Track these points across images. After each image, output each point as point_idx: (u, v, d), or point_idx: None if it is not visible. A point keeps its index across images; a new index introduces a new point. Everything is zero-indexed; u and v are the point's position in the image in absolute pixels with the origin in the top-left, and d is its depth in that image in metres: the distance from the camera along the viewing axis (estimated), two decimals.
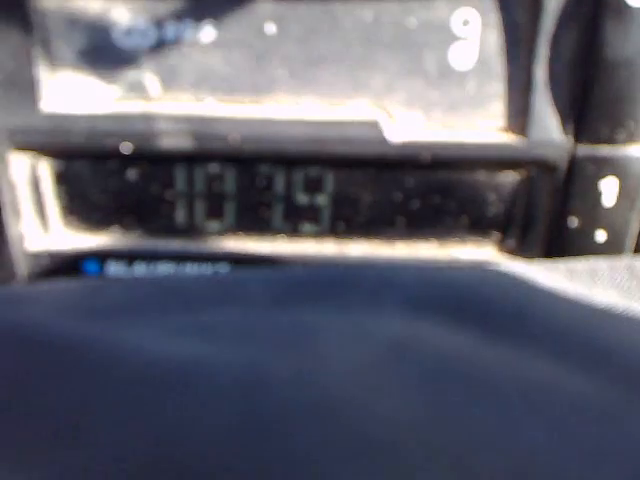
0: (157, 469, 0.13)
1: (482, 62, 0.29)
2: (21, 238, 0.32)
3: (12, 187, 0.31)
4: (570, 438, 0.14)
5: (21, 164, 0.30)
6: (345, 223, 0.33)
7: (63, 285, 0.22)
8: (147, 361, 0.16)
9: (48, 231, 0.32)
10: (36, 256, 0.32)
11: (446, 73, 0.29)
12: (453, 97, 0.30)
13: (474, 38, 0.29)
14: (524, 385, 0.16)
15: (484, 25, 0.28)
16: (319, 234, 0.33)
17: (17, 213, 0.31)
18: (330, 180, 0.32)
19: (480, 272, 0.22)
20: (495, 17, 0.28)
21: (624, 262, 0.25)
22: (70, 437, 0.14)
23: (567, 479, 0.13)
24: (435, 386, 0.15)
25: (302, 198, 0.33)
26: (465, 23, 0.28)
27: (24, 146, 0.30)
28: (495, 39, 0.29)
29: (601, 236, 0.32)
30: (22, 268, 0.32)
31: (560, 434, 0.14)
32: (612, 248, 0.32)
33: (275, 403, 0.14)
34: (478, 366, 0.16)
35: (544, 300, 0.20)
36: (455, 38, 0.29)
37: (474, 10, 0.28)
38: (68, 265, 0.33)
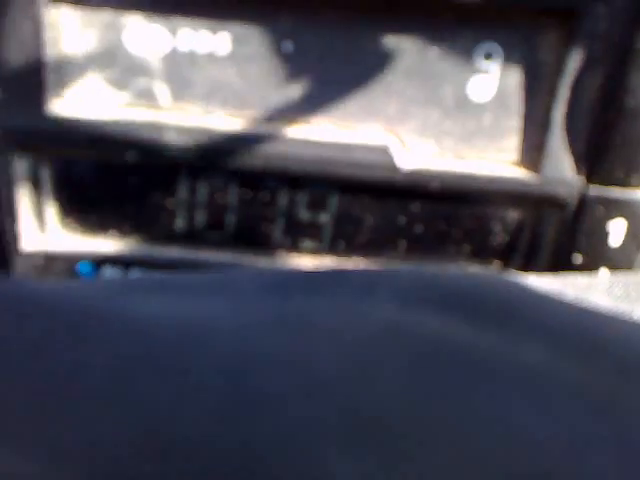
0: (143, 446, 0.13)
1: (501, 96, 0.29)
2: (17, 237, 0.32)
3: (12, 186, 0.31)
4: (563, 423, 0.14)
5: (23, 164, 0.31)
6: (346, 242, 0.34)
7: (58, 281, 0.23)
8: (138, 336, 0.16)
9: (45, 231, 0.33)
10: (31, 256, 0.32)
11: (463, 104, 0.29)
12: (468, 128, 0.30)
13: (495, 72, 0.29)
14: (517, 370, 0.16)
15: (506, 60, 0.29)
16: (319, 251, 0.34)
17: (14, 212, 0.31)
18: (334, 200, 0.32)
19: (475, 274, 0.23)
20: (519, 53, 0.28)
21: (625, 276, 0.26)
22: (57, 413, 0.14)
23: (560, 463, 0.13)
24: (429, 368, 0.16)
25: (305, 215, 0.33)
26: (487, 57, 0.29)
27: (27, 146, 0.30)
28: (516, 75, 0.29)
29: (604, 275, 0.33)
30: (17, 267, 0.33)
31: (553, 419, 0.14)
32: None
33: (264, 384, 0.15)
34: (472, 350, 0.16)
35: (539, 298, 0.20)
36: (476, 71, 0.29)
37: (497, 45, 0.28)
38: (63, 267, 0.33)
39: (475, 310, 0.18)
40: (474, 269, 0.34)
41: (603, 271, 0.33)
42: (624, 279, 0.24)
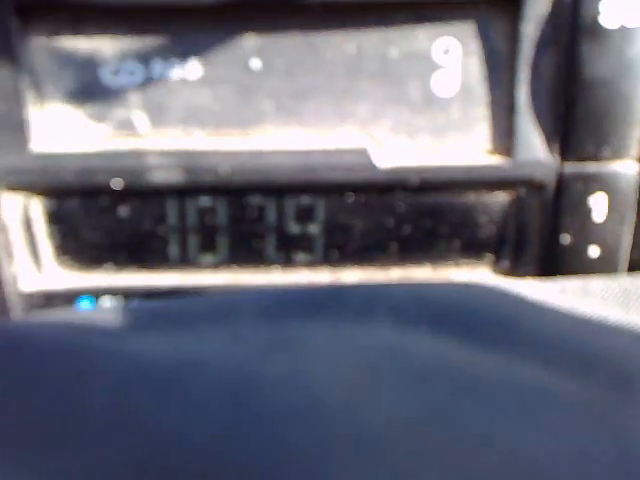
0: (148, 469, 0.13)
1: (465, 88, 0.31)
2: (15, 278, 0.33)
3: (4, 227, 0.32)
4: (559, 438, 0.15)
5: (13, 204, 0.32)
6: (338, 251, 0.34)
7: (58, 314, 0.23)
8: (139, 364, 0.17)
9: (42, 271, 0.34)
10: (30, 296, 0.33)
11: (430, 100, 0.31)
12: (438, 123, 0.31)
13: (455, 66, 0.30)
14: (513, 387, 0.16)
15: (465, 53, 0.30)
16: (313, 263, 0.35)
17: (10, 253, 0.32)
18: (321, 208, 0.33)
19: (469, 287, 0.23)
20: (475, 45, 0.30)
21: (617, 280, 0.26)
22: (63, 440, 0.14)
23: (553, 477, 0.13)
24: (425, 388, 0.16)
25: (294, 228, 0.34)
26: (446, 52, 0.30)
27: (15, 186, 0.31)
28: (476, 66, 0.30)
29: (594, 252, 0.33)
30: (16, 308, 0.33)
31: (549, 434, 0.15)
32: (606, 263, 0.34)
33: (265, 405, 0.15)
34: (467, 370, 0.17)
35: (533, 311, 0.21)
36: (437, 66, 0.30)
37: (454, 39, 0.30)
38: (62, 303, 0.34)
39: (469, 328, 0.19)
40: (466, 275, 0.35)
41: (593, 249, 0.33)
42: (619, 284, 0.25)
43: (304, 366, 0.17)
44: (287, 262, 0.35)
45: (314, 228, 0.34)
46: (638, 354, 0.18)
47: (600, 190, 0.32)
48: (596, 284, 0.25)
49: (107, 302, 0.34)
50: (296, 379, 0.16)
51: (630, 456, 0.14)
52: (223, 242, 0.34)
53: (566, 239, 0.33)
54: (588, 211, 0.33)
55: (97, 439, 0.14)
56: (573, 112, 0.30)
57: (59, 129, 0.31)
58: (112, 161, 0.31)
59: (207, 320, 0.20)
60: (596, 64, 0.29)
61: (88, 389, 0.16)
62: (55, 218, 0.33)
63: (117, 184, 0.31)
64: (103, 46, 0.30)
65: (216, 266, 0.35)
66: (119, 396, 0.16)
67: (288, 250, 0.34)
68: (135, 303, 0.34)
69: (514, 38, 0.29)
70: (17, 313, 0.33)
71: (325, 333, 0.19)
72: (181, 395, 0.15)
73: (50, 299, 0.34)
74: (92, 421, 0.15)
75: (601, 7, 0.28)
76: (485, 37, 0.30)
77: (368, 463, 0.13)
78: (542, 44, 0.29)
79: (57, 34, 0.29)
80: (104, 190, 0.31)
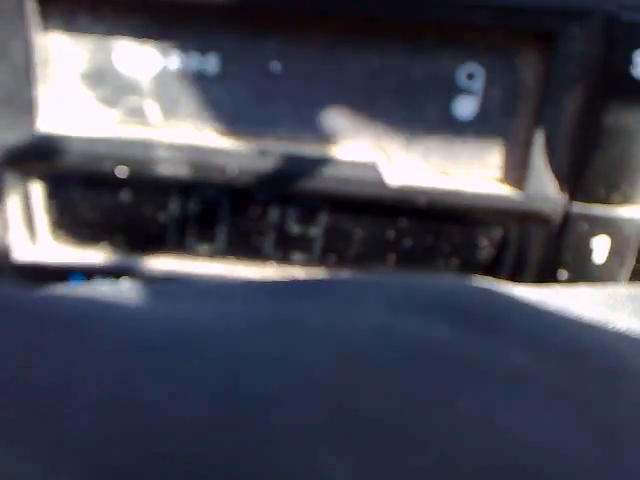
0: (138, 446, 0.13)
1: (484, 115, 0.30)
2: (9, 249, 0.33)
3: (2, 200, 0.32)
4: (545, 424, 0.15)
5: (13, 179, 0.32)
6: (336, 256, 0.35)
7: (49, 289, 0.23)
8: (132, 341, 0.17)
9: (37, 244, 0.34)
10: (23, 266, 0.34)
11: (447, 123, 0.31)
12: (452, 147, 0.31)
13: (477, 92, 0.30)
14: (502, 372, 0.17)
15: (489, 81, 0.30)
16: (309, 264, 0.35)
17: (6, 225, 0.32)
18: (324, 215, 0.33)
19: (462, 280, 0.24)
20: (500, 74, 0.30)
21: (603, 288, 0.26)
22: (53, 412, 0.14)
23: (545, 462, 0.14)
24: (415, 369, 0.16)
25: (295, 229, 0.34)
26: (470, 77, 0.30)
27: (18, 163, 0.31)
28: (498, 95, 0.30)
29: None
30: (8, 278, 0.34)
31: (537, 419, 0.15)
32: None
33: (257, 387, 0.15)
34: (457, 352, 0.17)
35: (524, 305, 0.21)
36: (459, 91, 0.30)
37: (479, 66, 0.30)
38: (55, 278, 0.34)
39: (460, 315, 0.19)
40: (461, 277, 0.35)
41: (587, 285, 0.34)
42: (607, 291, 0.25)
43: (296, 347, 0.17)
44: (284, 260, 0.35)
45: (315, 231, 0.34)
46: (624, 348, 0.19)
47: (604, 232, 0.32)
48: (585, 290, 0.25)
49: (100, 281, 0.34)
50: (286, 359, 0.16)
51: (614, 445, 0.15)
52: (222, 234, 0.34)
53: (563, 275, 0.33)
54: (589, 251, 0.33)
55: (88, 414, 0.14)
56: (589, 155, 0.30)
57: (68, 111, 0.31)
58: (119, 149, 0.30)
59: (201, 299, 0.21)
60: (620, 112, 0.29)
61: (81, 362, 0.16)
62: (54, 195, 0.33)
63: (121, 172, 0.31)
64: (120, 31, 0.29)
65: (212, 256, 0.35)
66: (112, 371, 0.16)
67: (286, 248, 0.35)
68: (130, 282, 0.34)
69: (541, 73, 0.29)
70: (9, 282, 0.34)
71: (317, 314, 0.19)
72: (173, 374, 0.16)
73: (43, 272, 0.34)
74: (84, 395, 0.15)
75: (634, 57, 0.28)
76: (512, 68, 0.29)
77: (358, 446, 0.14)
78: (569, 84, 0.29)
79: (74, 15, 0.29)
80: (107, 175, 0.31)
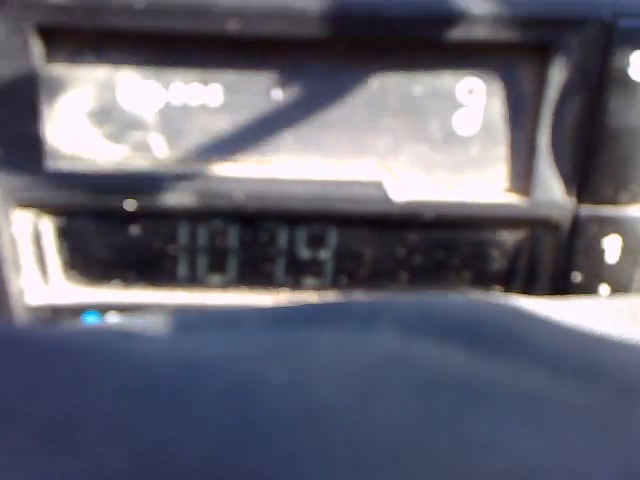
0: (149, 476, 0.13)
1: (486, 128, 0.31)
2: (22, 292, 0.33)
3: (14, 242, 0.32)
4: (563, 448, 0.15)
5: (23, 220, 0.32)
6: (348, 277, 0.35)
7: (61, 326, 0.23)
8: (142, 369, 0.17)
9: (49, 285, 0.34)
10: (37, 310, 0.34)
11: (450, 138, 0.31)
12: (457, 160, 0.32)
13: (478, 106, 0.31)
14: (518, 397, 0.16)
15: (489, 94, 0.30)
16: (321, 287, 0.35)
17: (18, 267, 0.33)
18: (333, 236, 0.34)
19: (475, 301, 0.23)
20: (500, 87, 0.30)
21: (624, 298, 0.26)
22: (62, 443, 0.14)
23: None
24: (429, 395, 0.16)
25: (305, 253, 0.34)
26: (470, 92, 0.30)
27: (27, 203, 0.31)
28: (499, 107, 0.31)
29: (605, 291, 0.34)
30: (23, 321, 0.34)
31: (553, 443, 0.15)
32: None
33: (267, 410, 0.15)
34: (471, 377, 0.17)
35: (539, 324, 0.21)
36: (459, 105, 0.31)
37: (479, 80, 0.30)
38: (69, 318, 0.34)
39: (475, 339, 0.19)
40: (474, 295, 0.35)
41: (603, 288, 0.34)
42: (624, 302, 0.25)
43: (306, 375, 0.17)
44: (295, 286, 0.35)
45: (325, 254, 0.34)
46: None
47: (614, 232, 0.33)
48: (602, 301, 0.25)
49: (113, 318, 0.35)
50: (297, 389, 0.16)
51: (636, 468, 0.14)
52: (232, 263, 0.34)
53: (577, 277, 0.34)
54: (601, 252, 0.33)
55: (96, 444, 0.14)
56: (593, 157, 0.31)
57: (74, 148, 0.31)
58: (126, 182, 0.31)
59: (210, 328, 0.21)
60: (621, 114, 0.29)
61: (90, 393, 0.16)
62: (65, 234, 0.33)
63: (130, 205, 0.31)
64: (123, 68, 0.30)
65: (224, 286, 0.35)
66: (120, 403, 0.16)
67: (297, 274, 0.35)
68: (140, 316, 0.34)
69: (540, 83, 0.30)
70: (23, 325, 0.34)
71: (328, 341, 0.19)
72: (181, 404, 0.16)
73: (56, 313, 0.34)
74: (92, 428, 0.15)
75: (632, 59, 0.28)
76: (511, 80, 0.30)
77: (371, 469, 0.14)
78: (568, 90, 0.29)
79: (78, 54, 0.29)
80: (116, 210, 0.32)
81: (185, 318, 0.22)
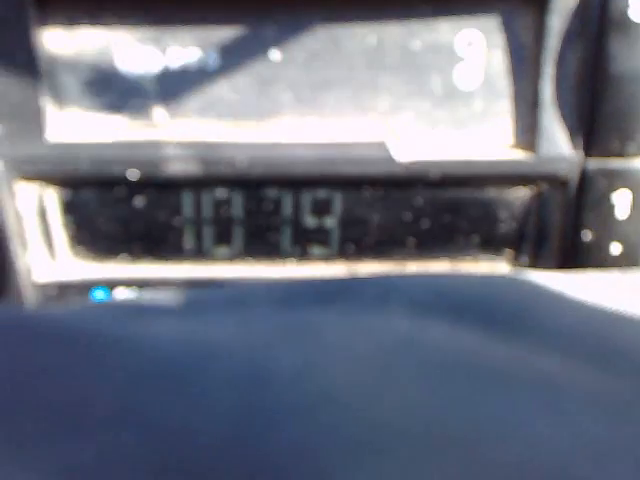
0: (156, 464, 0.13)
1: (488, 81, 0.31)
2: (29, 268, 0.33)
3: (19, 217, 0.32)
4: (579, 431, 0.14)
5: (28, 194, 0.32)
6: (354, 245, 0.35)
7: (69, 306, 0.23)
8: (150, 354, 0.17)
9: (56, 261, 0.34)
10: (44, 286, 0.34)
11: (452, 93, 0.31)
12: (460, 116, 0.31)
13: (479, 59, 0.30)
14: (533, 378, 0.16)
15: (488, 46, 0.30)
16: (328, 257, 0.35)
17: (25, 243, 0.33)
18: (338, 202, 0.34)
19: (487, 278, 0.23)
20: (499, 38, 0.30)
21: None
22: (71, 430, 0.14)
23: (574, 471, 0.13)
24: (443, 377, 0.16)
25: (310, 221, 0.34)
26: (469, 44, 0.30)
27: (31, 176, 0.32)
28: (500, 59, 0.30)
29: (616, 249, 0.33)
30: (31, 298, 0.34)
31: (569, 426, 0.15)
32: (627, 260, 0.34)
33: (277, 400, 0.15)
34: (486, 359, 0.17)
35: (554, 303, 0.21)
36: (459, 59, 0.30)
37: (478, 31, 0.30)
38: (77, 294, 0.34)
39: (488, 318, 0.19)
40: (485, 269, 0.35)
41: (614, 246, 0.33)
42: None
43: (317, 358, 0.17)
44: (302, 255, 0.35)
45: (330, 221, 0.34)
46: None
47: (624, 187, 0.32)
48: (619, 276, 0.25)
49: (121, 293, 0.35)
50: (309, 372, 0.16)
51: None
52: (238, 234, 0.34)
53: (587, 236, 0.33)
54: (611, 208, 0.33)
55: (106, 430, 0.14)
56: (598, 107, 0.30)
57: (75, 119, 0.31)
58: (128, 152, 0.31)
59: (220, 308, 0.20)
60: (624, 59, 0.29)
61: (98, 378, 0.16)
62: (70, 208, 0.33)
63: (133, 175, 0.31)
64: (120, 36, 0.30)
65: (231, 258, 0.35)
66: (130, 387, 0.16)
67: (304, 243, 0.35)
68: (148, 294, 0.34)
69: (540, 31, 0.29)
70: (31, 303, 0.34)
71: (339, 323, 0.19)
72: (192, 388, 0.15)
73: (64, 289, 0.34)
74: (102, 412, 0.15)
75: (630, 0, 0.28)
76: (510, 30, 0.30)
77: (385, 461, 0.13)
78: (568, 38, 0.29)
79: (74, 23, 0.29)
80: (120, 180, 0.32)
81: (192, 297, 0.22)
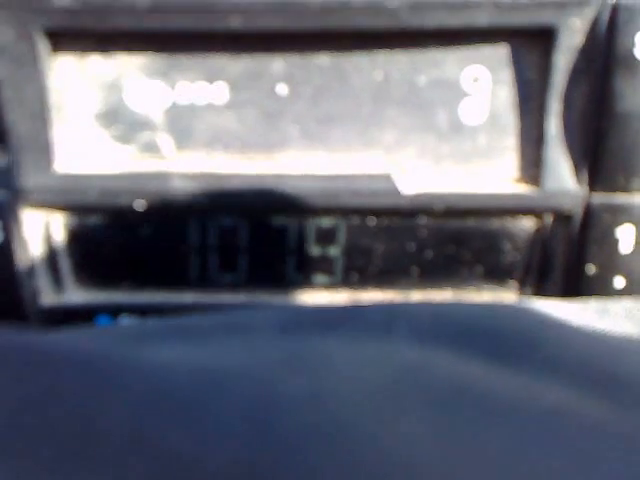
0: None
1: (493, 117, 0.31)
2: (35, 294, 0.33)
3: (25, 244, 0.32)
4: (587, 464, 0.14)
5: (35, 222, 0.32)
6: (358, 274, 0.35)
7: (77, 330, 0.23)
8: (157, 381, 0.17)
9: (61, 287, 0.34)
10: (49, 312, 0.34)
11: (457, 128, 0.31)
12: (464, 150, 0.31)
13: (484, 94, 0.30)
14: (538, 410, 0.16)
15: (494, 82, 0.30)
16: (332, 285, 0.35)
17: (30, 270, 0.33)
18: (342, 232, 0.33)
19: (490, 307, 0.23)
20: (505, 74, 0.30)
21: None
22: (78, 459, 0.14)
23: None
24: (448, 410, 0.16)
25: (315, 250, 0.34)
26: (475, 80, 0.30)
27: (38, 205, 0.32)
28: (506, 95, 0.30)
29: (619, 283, 0.33)
30: (35, 324, 0.34)
31: (576, 459, 0.14)
32: (631, 294, 0.33)
33: (284, 429, 0.15)
34: (492, 391, 0.17)
35: (557, 331, 0.21)
36: (465, 94, 0.30)
37: (484, 67, 0.30)
38: (81, 320, 0.34)
39: (493, 347, 0.19)
40: (489, 299, 0.35)
41: (618, 280, 0.33)
42: None
43: (323, 387, 0.17)
44: (306, 283, 0.35)
45: (334, 250, 0.34)
46: None
47: (628, 221, 0.32)
48: (620, 305, 0.24)
49: (125, 320, 0.34)
50: (315, 401, 0.16)
51: None
52: (243, 262, 0.34)
53: (591, 269, 0.33)
54: (615, 242, 0.32)
55: (115, 458, 0.14)
56: (603, 143, 0.30)
57: (84, 150, 0.31)
58: (136, 183, 0.31)
59: (225, 334, 0.20)
60: (629, 96, 0.29)
61: (108, 407, 0.16)
62: (76, 236, 0.33)
63: (140, 205, 0.31)
64: (130, 69, 0.30)
65: (235, 286, 0.35)
66: (140, 416, 0.15)
67: (308, 271, 0.35)
68: (154, 319, 0.34)
69: (546, 68, 0.29)
70: (36, 329, 0.34)
71: (343, 351, 0.19)
72: (202, 418, 0.15)
73: (69, 316, 0.34)
74: (113, 442, 0.15)
75: (637, 39, 0.28)
76: (516, 66, 0.30)
77: None
78: (574, 75, 0.29)
79: (84, 56, 0.30)
80: (126, 211, 0.32)
81: (199, 322, 0.22)
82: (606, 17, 0.28)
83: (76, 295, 0.34)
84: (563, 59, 0.29)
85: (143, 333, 0.21)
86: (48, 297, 0.34)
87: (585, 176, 0.31)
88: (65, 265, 0.34)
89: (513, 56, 0.30)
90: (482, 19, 0.28)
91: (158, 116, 0.31)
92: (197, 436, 0.15)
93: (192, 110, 0.31)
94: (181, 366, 0.18)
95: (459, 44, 0.29)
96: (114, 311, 0.34)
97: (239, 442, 0.14)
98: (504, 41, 0.29)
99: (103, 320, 0.34)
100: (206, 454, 0.14)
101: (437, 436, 0.15)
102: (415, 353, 0.18)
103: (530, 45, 0.29)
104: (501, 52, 0.30)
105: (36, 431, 0.15)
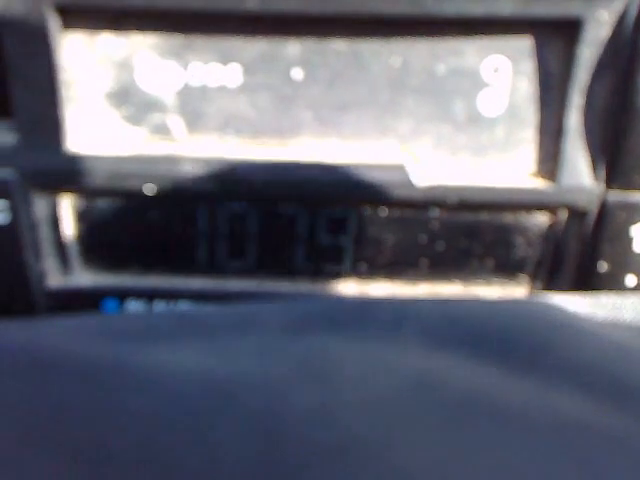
0: None
1: (512, 108, 0.30)
2: (42, 276, 0.33)
3: (33, 226, 0.31)
4: (601, 475, 0.14)
5: (43, 203, 0.31)
6: (367, 263, 0.34)
7: (83, 317, 0.23)
8: (167, 391, 0.16)
9: (69, 269, 0.33)
10: (56, 294, 0.33)
11: (474, 119, 0.30)
12: (481, 142, 0.30)
13: (504, 85, 0.29)
14: (552, 419, 0.16)
15: (515, 72, 0.29)
16: (341, 274, 0.34)
17: (38, 251, 0.32)
18: (354, 221, 0.33)
19: (503, 305, 0.22)
20: (527, 65, 0.29)
21: None
22: (91, 473, 0.14)
23: None
24: (460, 421, 0.15)
25: (325, 238, 0.33)
26: (495, 70, 0.29)
27: (47, 186, 0.31)
28: (526, 86, 0.29)
29: (631, 281, 0.32)
30: (42, 306, 0.33)
31: (591, 470, 0.14)
32: None
33: (297, 440, 0.14)
34: (504, 400, 0.16)
35: (570, 334, 0.20)
36: (484, 85, 0.29)
37: (505, 58, 0.29)
38: (88, 303, 0.33)
39: (505, 350, 0.18)
40: (499, 293, 0.34)
41: (630, 278, 0.32)
42: None
43: (334, 399, 0.16)
44: (315, 272, 0.34)
45: (345, 240, 0.33)
46: None
47: None
48: (630, 301, 0.24)
49: (133, 304, 0.34)
50: (326, 414, 0.15)
51: None
52: (252, 249, 0.33)
53: (603, 267, 0.32)
54: (629, 240, 0.32)
55: (122, 472, 0.14)
56: (623, 140, 0.29)
57: (94, 131, 0.30)
58: (146, 165, 0.30)
59: (233, 333, 0.20)
60: None
61: (116, 418, 0.15)
62: (84, 218, 0.32)
63: (150, 189, 0.30)
64: (142, 48, 0.29)
65: (243, 272, 0.34)
66: (146, 427, 0.15)
67: (317, 260, 0.34)
68: (160, 309, 0.33)
69: (568, 61, 0.28)
70: (43, 311, 0.33)
71: (354, 357, 0.18)
72: (212, 430, 0.15)
73: (76, 298, 0.33)
74: (122, 455, 0.14)
75: None
76: (538, 58, 0.29)
77: None
78: (598, 69, 0.28)
79: (96, 35, 0.28)
80: (136, 194, 0.31)
81: (206, 318, 0.21)
82: (634, 11, 0.27)
83: (83, 278, 0.33)
84: (587, 52, 0.27)
85: (150, 329, 0.20)
86: (55, 279, 0.33)
87: (602, 173, 0.30)
88: (73, 247, 0.33)
89: (536, 47, 0.28)
90: (506, 8, 0.27)
91: (170, 97, 0.30)
92: (207, 449, 0.14)
93: (204, 92, 0.30)
94: (190, 374, 0.17)
95: (480, 33, 0.28)
96: (121, 295, 0.34)
97: (249, 456, 0.14)
98: (527, 31, 0.28)
99: (110, 303, 0.34)
100: (216, 468, 0.14)
101: (451, 451, 0.14)
102: (426, 359, 0.18)
103: (554, 36, 0.28)
104: (523, 43, 0.28)
105: (44, 444, 0.15)
